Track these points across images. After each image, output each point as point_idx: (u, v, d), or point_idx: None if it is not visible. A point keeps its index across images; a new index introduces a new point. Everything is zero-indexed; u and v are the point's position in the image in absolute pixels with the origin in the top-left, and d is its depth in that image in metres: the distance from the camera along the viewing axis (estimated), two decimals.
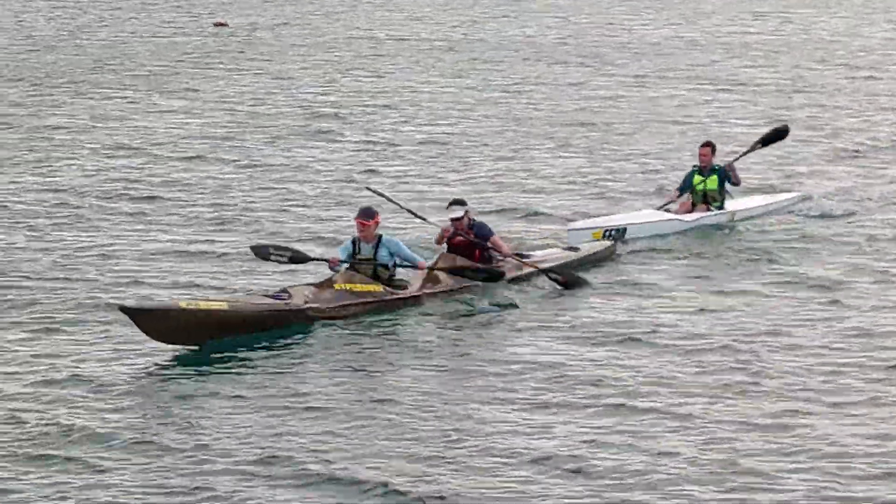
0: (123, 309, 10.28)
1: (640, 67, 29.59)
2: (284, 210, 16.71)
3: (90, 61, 33.25)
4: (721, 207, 14.79)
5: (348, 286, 11.08)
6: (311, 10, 45.59)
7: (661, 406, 8.98)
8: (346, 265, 11.30)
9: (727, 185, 15.14)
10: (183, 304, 10.47)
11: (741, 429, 8.53)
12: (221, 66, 31.22)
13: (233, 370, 9.98)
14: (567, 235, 14.50)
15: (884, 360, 9.96)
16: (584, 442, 8.25)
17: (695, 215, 14.78)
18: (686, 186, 14.87)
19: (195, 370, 9.99)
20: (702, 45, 32.75)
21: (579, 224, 14.95)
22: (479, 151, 20.65)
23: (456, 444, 8.24)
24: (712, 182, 14.59)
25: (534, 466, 7.89)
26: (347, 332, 10.94)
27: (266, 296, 11.00)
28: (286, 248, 11.88)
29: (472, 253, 11.90)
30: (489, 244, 12.00)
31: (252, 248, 12.13)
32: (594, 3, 46.77)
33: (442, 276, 11.73)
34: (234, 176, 19.51)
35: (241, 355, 10.28)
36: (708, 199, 14.68)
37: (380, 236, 11.32)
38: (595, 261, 13.47)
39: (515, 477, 7.77)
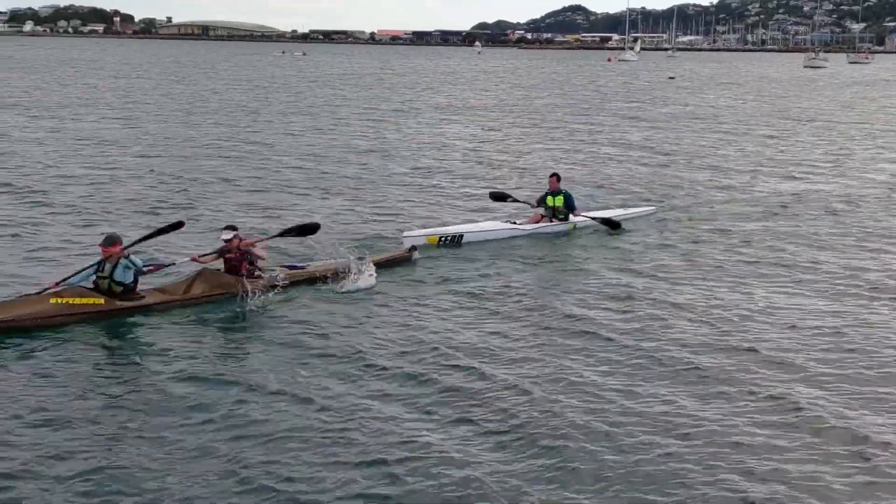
0: None
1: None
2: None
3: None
4: (565, 219, 18.42)
5: (65, 300, 11.73)
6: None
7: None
8: (83, 281, 12.26)
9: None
10: None
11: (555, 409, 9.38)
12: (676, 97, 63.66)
13: None
14: (402, 241, 16.60)
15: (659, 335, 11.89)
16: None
17: (533, 225, 18.23)
18: (541, 203, 18.57)
19: None
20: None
21: (414, 232, 17.24)
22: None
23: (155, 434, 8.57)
24: (559, 201, 18.36)
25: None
26: (63, 337, 11.25)
27: None
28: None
29: (241, 265, 13.33)
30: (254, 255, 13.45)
31: None
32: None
33: (195, 287, 12.95)
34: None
35: None
36: (556, 213, 18.34)
37: (119, 258, 12.20)
38: (386, 266, 14.92)
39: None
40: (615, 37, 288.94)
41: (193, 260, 13.62)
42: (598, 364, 10.89)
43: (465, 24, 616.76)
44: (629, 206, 20.92)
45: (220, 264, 13.62)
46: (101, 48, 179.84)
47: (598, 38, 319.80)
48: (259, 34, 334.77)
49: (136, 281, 12.47)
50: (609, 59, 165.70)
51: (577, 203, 19.04)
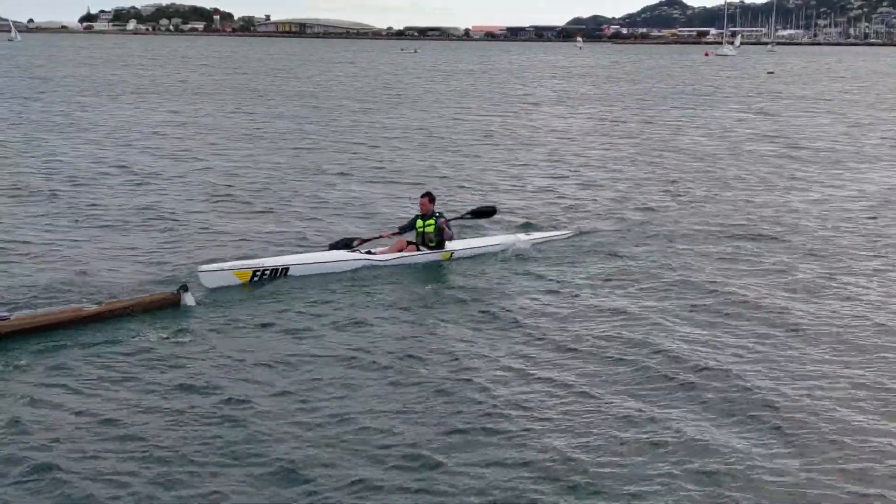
0: None
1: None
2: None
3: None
4: (438, 248, 15.16)
5: None
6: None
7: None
8: None
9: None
10: None
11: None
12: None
13: None
14: (200, 278, 13.14)
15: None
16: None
17: (391, 255, 14.74)
18: (409, 228, 15.34)
19: None
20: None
21: (217, 265, 13.60)
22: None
23: None
24: (430, 227, 15.16)
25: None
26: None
27: None
28: None
29: None
30: None
31: None
32: None
33: None
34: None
35: None
36: (426, 241, 15.13)
37: None
38: (140, 312, 11.73)
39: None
40: (712, 31, 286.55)
41: None
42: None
43: (559, 20, 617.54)
44: (545, 230, 17.57)
45: None
46: (207, 44, 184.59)
47: (694, 33, 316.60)
48: (355, 31, 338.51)
49: None
50: (706, 54, 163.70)
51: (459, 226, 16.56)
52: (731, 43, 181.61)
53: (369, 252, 14.90)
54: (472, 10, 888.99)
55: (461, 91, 62.11)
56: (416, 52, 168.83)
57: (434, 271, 14.76)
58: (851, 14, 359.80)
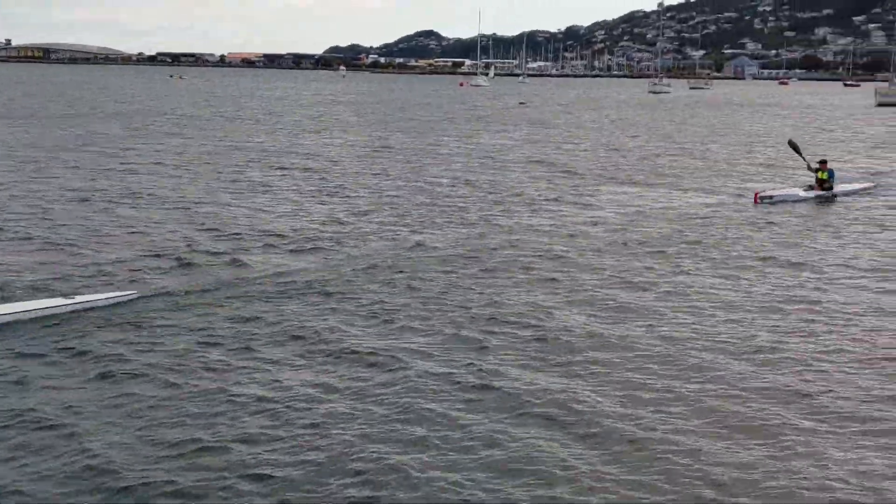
0: None
1: None
2: None
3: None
4: None
5: None
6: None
7: None
8: None
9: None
10: None
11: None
12: None
13: None
14: None
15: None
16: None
17: None
18: None
19: None
20: None
21: None
22: None
23: None
24: None
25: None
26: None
27: None
28: None
29: None
30: None
31: None
32: None
33: None
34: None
35: None
36: None
37: None
38: None
39: None
40: (467, 62, 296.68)
41: None
42: None
43: (317, 48, 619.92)
44: (99, 290, 13.35)
45: None
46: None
47: (450, 63, 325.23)
48: (103, 56, 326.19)
49: None
50: (461, 84, 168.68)
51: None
52: (486, 74, 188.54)
53: None
54: (226, 36, 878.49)
55: (229, 116, 59.63)
56: (181, 78, 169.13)
57: None
58: (595, 47, 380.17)
